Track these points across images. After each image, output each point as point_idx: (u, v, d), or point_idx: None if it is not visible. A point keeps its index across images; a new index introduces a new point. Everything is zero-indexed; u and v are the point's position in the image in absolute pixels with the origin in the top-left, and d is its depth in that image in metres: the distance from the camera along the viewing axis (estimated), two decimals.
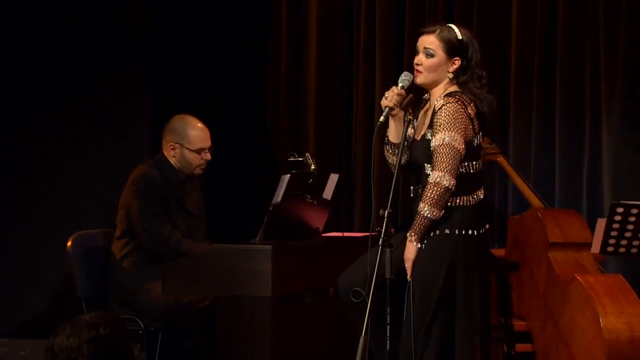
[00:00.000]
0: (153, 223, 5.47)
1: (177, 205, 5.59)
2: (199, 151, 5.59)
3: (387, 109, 4.60)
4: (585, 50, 6.21)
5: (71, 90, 6.58)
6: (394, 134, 4.68)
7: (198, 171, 5.64)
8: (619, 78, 6.10)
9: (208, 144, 5.62)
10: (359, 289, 4.44)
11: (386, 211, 4.40)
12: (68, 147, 6.59)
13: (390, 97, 4.60)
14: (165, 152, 5.63)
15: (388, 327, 4.44)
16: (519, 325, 5.58)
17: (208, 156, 5.62)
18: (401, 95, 4.60)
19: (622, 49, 6.09)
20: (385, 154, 4.74)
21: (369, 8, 6.77)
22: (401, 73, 4.68)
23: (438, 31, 4.62)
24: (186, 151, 5.59)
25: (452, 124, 4.49)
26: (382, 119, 4.60)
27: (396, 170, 4.55)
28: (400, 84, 4.61)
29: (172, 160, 5.61)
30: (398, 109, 4.62)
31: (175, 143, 5.59)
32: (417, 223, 4.50)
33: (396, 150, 4.62)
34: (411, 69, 4.64)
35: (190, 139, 5.59)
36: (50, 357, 2.61)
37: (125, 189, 5.59)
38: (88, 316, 2.66)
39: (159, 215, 5.49)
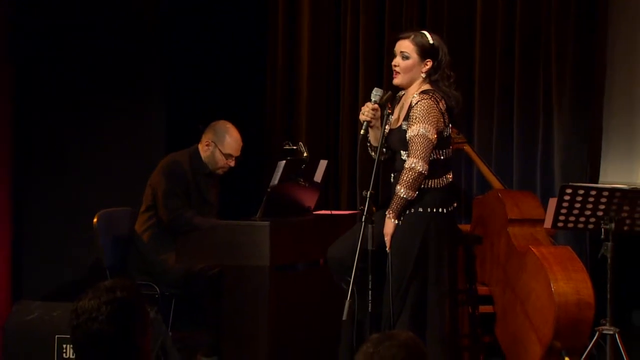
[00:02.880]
0: (173, 201, 5.46)
1: (196, 191, 5.57)
2: (227, 156, 5.56)
3: (365, 122, 4.55)
4: (539, 56, 6.18)
5: (99, 91, 6.57)
6: (374, 139, 4.67)
7: (219, 172, 5.62)
8: (568, 79, 6.07)
9: (237, 153, 5.59)
10: (345, 282, 4.40)
11: (368, 192, 4.37)
12: (96, 140, 6.59)
13: (367, 113, 4.56)
14: (200, 146, 5.61)
15: (370, 292, 4.40)
16: (482, 289, 5.56)
17: (232, 163, 5.59)
18: (375, 109, 4.56)
19: (571, 54, 6.06)
20: (370, 152, 4.72)
21: (354, 18, 6.72)
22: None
23: (412, 37, 4.59)
24: (217, 152, 5.55)
25: (426, 117, 4.46)
26: (362, 132, 4.58)
27: (377, 159, 4.52)
28: (372, 99, 4.57)
29: (203, 155, 5.59)
30: (375, 120, 4.58)
31: (212, 141, 5.55)
32: (395, 203, 4.48)
33: (377, 150, 4.58)
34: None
35: (225, 143, 5.56)
36: (75, 316, 2.63)
37: (156, 170, 5.59)
38: (107, 282, 2.68)
39: (179, 197, 5.48)
